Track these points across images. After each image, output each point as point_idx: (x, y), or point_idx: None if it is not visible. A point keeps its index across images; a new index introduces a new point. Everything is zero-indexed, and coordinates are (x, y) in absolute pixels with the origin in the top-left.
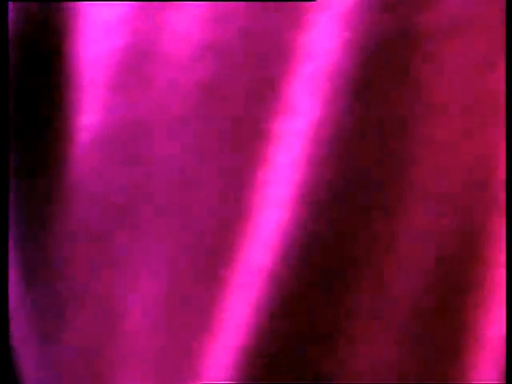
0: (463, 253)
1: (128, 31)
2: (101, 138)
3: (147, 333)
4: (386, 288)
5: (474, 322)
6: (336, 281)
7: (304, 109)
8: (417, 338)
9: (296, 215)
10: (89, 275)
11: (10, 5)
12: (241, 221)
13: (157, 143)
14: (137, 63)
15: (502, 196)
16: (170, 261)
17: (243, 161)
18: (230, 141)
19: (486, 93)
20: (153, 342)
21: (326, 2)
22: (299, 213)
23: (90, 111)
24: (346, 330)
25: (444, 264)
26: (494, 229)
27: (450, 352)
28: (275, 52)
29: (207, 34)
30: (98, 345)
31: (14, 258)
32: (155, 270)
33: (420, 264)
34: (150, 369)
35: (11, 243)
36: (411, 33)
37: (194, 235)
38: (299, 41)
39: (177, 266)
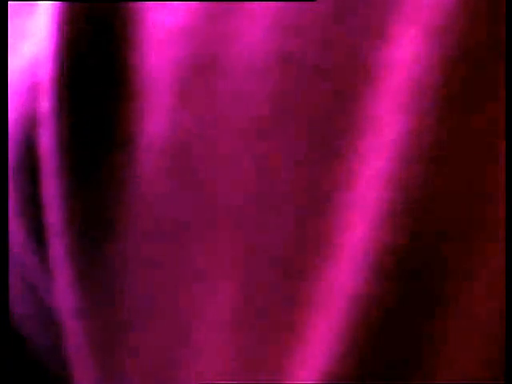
0: None
1: (193, 39)
2: (165, 150)
3: (220, 352)
4: (475, 299)
5: None
6: (421, 303)
7: (388, 124)
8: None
9: (379, 235)
10: (154, 290)
11: (70, 13)
12: (322, 241)
13: (222, 157)
14: (202, 72)
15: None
16: (244, 281)
17: (322, 179)
18: (307, 158)
19: None
20: (225, 362)
21: (411, 13)
22: (382, 232)
23: (154, 122)
24: (429, 355)
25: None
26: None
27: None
28: (356, 65)
29: (280, 44)
30: (164, 363)
31: (70, 269)
32: (229, 289)
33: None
34: None
35: (66, 254)
36: (500, 45)
37: (272, 255)
38: (381, 54)
39: (252, 287)
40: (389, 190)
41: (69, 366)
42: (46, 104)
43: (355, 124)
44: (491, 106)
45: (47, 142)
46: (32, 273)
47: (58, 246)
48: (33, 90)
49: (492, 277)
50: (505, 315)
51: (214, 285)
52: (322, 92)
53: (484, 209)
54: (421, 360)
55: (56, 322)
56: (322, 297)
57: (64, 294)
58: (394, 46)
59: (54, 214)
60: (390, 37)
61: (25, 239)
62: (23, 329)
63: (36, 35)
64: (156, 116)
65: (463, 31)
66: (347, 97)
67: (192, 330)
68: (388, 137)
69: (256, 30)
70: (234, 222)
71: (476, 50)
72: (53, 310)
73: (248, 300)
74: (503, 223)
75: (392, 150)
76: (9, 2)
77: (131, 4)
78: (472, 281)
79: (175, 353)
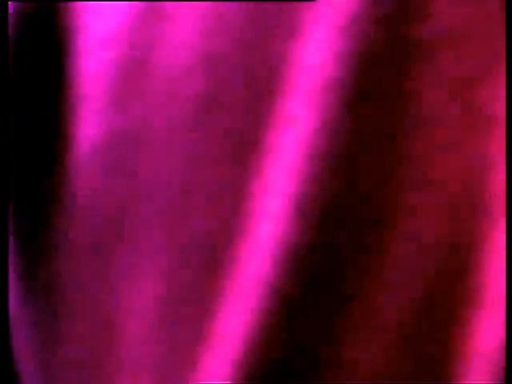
0: (456, 266)
1: (124, 43)
2: (100, 149)
3: (144, 344)
4: (380, 294)
5: (464, 335)
6: (332, 291)
7: (299, 121)
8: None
9: (291, 226)
10: (86, 287)
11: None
12: (238, 232)
13: (154, 155)
14: (133, 75)
15: (496, 208)
16: (167, 272)
17: (239, 172)
18: (227, 152)
19: (473, 107)
20: (150, 353)
21: (321, 13)
22: (294, 224)
23: (89, 123)
24: (341, 340)
25: (437, 278)
26: (486, 242)
27: (439, 364)
28: (270, 63)
29: (202, 46)
30: (94, 356)
31: (13, 268)
32: (153, 282)
33: (413, 277)
34: (147, 380)
35: (11, 254)
36: (402, 45)
37: (192, 247)
38: (294, 52)
39: (175, 278)
40: (298, 184)
41: (17, 365)
42: None
43: (269, 120)
44: (397, 101)
45: None
46: None
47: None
48: None
49: (399, 279)
50: (416, 316)
51: (137, 282)
52: (239, 90)
53: (386, 206)
54: (334, 341)
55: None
56: (237, 287)
57: (11, 295)
58: (306, 45)
59: None
60: (302, 36)
61: None
62: None
63: None
64: (89, 119)
65: (369, 28)
66: (262, 94)
67: (114, 327)
68: (296, 133)
69: (180, 34)
70: (158, 220)
71: (380, 48)
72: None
73: (168, 297)
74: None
75: (299, 146)
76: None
77: (68, 7)
78: (375, 277)
79: (100, 349)
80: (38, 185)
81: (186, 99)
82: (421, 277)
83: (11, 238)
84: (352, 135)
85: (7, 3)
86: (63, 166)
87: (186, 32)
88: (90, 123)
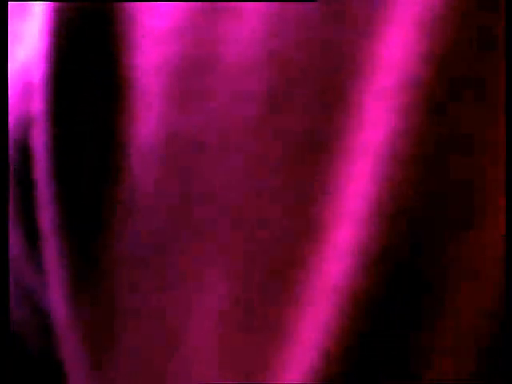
0: None
1: (184, 40)
2: (159, 149)
3: (209, 354)
4: (462, 300)
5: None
6: (412, 298)
7: (376, 122)
8: None
9: (369, 230)
10: (145, 292)
11: (61, 15)
12: (312, 236)
13: (217, 155)
14: (192, 73)
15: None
16: (235, 277)
17: (311, 175)
18: (297, 154)
19: None
20: (219, 356)
21: (399, 12)
22: (372, 228)
23: (146, 121)
24: (420, 347)
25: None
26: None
27: None
28: (344, 63)
29: (270, 44)
30: (153, 369)
31: (62, 272)
32: (219, 287)
33: (489, 277)
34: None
35: (57, 257)
36: (488, 44)
37: (262, 251)
38: (372, 51)
39: (243, 283)
40: (376, 188)
41: (63, 368)
42: (38, 106)
43: (343, 122)
44: (480, 103)
45: (39, 143)
46: (27, 278)
47: (49, 250)
48: (26, 92)
49: (482, 273)
50: (495, 314)
51: (201, 285)
52: (309, 90)
53: (471, 207)
54: (409, 355)
55: (50, 326)
56: (312, 294)
57: (56, 296)
58: (383, 45)
59: (46, 218)
60: (378, 35)
61: (20, 244)
62: (20, 333)
63: (29, 37)
64: (148, 118)
65: (449, 29)
66: (335, 95)
67: (179, 331)
68: (376, 135)
69: (244, 31)
70: (226, 218)
71: (464, 47)
72: (47, 314)
73: (236, 300)
74: (492, 220)
75: (380, 148)
76: (9, 2)
77: (123, 5)
78: (459, 275)
79: (163, 354)
80: (93, 184)
81: (252, 99)
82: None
83: (64, 240)
84: (433, 136)
85: (7, 3)
86: (118, 165)
87: (251, 30)
88: (149, 122)
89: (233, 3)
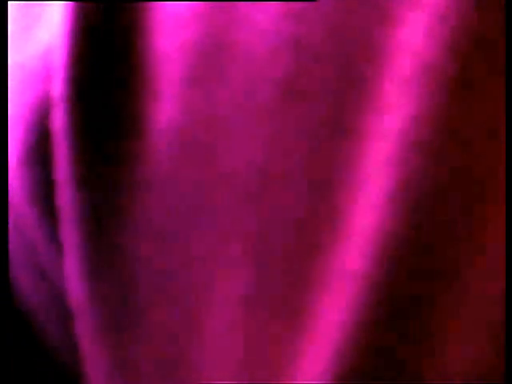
0: None
1: (203, 24)
2: (178, 133)
3: (228, 338)
4: (476, 286)
5: None
6: (428, 284)
7: (395, 107)
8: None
9: (387, 217)
10: (163, 275)
11: (78, 3)
12: (329, 223)
13: (235, 140)
14: (212, 57)
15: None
16: (253, 262)
17: (329, 160)
18: (314, 140)
19: None
20: (237, 345)
21: (421, 1)
22: (390, 214)
23: (167, 106)
24: (437, 333)
25: None
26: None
27: None
28: (364, 49)
29: (286, 30)
30: (174, 350)
31: (81, 251)
32: (237, 272)
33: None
34: (233, 371)
35: (77, 239)
36: (503, 33)
37: (280, 237)
38: (390, 37)
39: (261, 269)
40: (394, 173)
41: (80, 353)
42: (59, 88)
43: (362, 106)
44: (496, 91)
45: (60, 125)
46: (44, 258)
47: (68, 231)
48: (47, 75)
49: (492, 267)
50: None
51: (225, 269)
52: (329, 77)
53: (485, 197)
54: (430, 335)
55: (67, 309)
56: (331, 279)
57: (74, 279)
58: (403, 30)
59: (65, 198)
60: (399, 21)
61: (37, 224)
62: (36, 316)
63: (51, 21)
64: (167, 101)
65: (471, 16)
66: (353, 80)
67: (202, 317)
68: (394, 120)
69: (263, 16)
70: (247, 203)
71: (484, 34)
72: (64, 297)
73: (259, 283)
74: (503, 211)
75: (397, 134)
76: (9, 2)
77: None
78: (473, 267)
79: (185, 335)
80: (113, 166)
81: (270, 83)
82: None
83: (83, 220)
84: (453, 122)
85: (7, 3)
86: (140, 151)
87: (269, 15)
88: (169, 105)
89: None
